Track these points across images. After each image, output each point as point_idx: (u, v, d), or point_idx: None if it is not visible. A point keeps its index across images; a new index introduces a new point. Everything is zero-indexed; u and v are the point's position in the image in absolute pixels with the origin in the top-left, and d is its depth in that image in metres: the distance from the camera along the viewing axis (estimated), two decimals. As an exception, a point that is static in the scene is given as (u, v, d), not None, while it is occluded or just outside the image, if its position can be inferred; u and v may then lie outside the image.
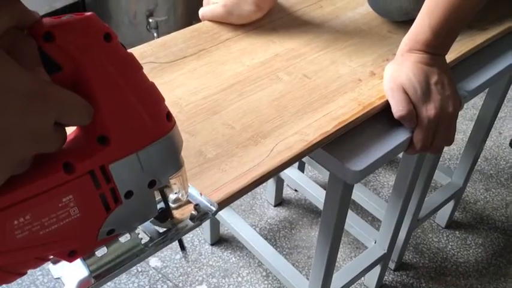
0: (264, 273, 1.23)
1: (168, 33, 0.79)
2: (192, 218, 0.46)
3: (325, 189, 1.26)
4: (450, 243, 1.34)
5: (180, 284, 1.20)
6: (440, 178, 1.32)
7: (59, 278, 0.42)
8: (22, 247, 0.32)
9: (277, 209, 1.40)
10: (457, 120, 0.68)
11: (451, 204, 1.31)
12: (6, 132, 0.27)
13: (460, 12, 0.64)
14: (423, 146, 0.66)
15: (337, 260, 0.98)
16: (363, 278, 1.21)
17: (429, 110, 0.64)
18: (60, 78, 0.31)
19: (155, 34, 1.73)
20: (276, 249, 1.15)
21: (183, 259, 1.24)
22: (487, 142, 1.66)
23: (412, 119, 0.64)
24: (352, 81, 0.71)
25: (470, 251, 1.33)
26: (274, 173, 0.55)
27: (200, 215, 0.46)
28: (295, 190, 1.45)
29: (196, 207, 0.46)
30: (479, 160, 1.56)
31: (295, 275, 1.04)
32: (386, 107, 0.67)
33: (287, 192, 1.45)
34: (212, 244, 1.30)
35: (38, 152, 0.30)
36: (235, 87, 0.69)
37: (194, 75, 0.70)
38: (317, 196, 1.23)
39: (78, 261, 0.41)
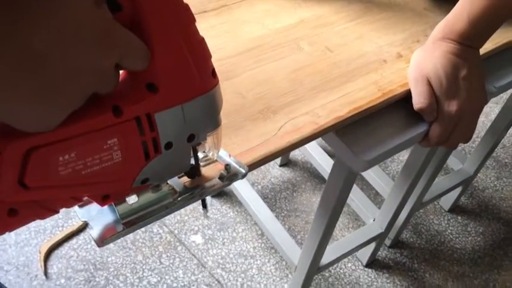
0: (260, 232, 1.24)
1: (191, -19, 0.75)
2: (221, 177, 0.46)
3: (331, 158, 1.25)
4: (450, 228, 1.33)
5: (176, 231, 1.22)
6: (451, 162, 1.29)
7: (85, 221, 0.42)
8: (63, 184, 0.33)
9: (282, 169, 1.39)
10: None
11: (458, 189, 1.29)
12: (77, 66, 0.27)
13: (503, 6, 0.58)
14: (439, 141, 0.63)
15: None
16: (356, 251, 1.22)
17: (451, 106, 0.60)
18: (118, 19, 0.31)
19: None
20: (275, 210, 1.15)
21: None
22: (507, 129, 1.62)
23: (432, 112, 0.61)
24: (376, 61, 0.67)
25: (469, 238, 1.32)
26: (280, 154, 0.53)
27: (230, 175, 0.46)
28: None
29: (227, 167, 0.46)
30: (495, 147, 1.53)
31: (289, 242, 1.04)
32: (407, 95, 0.64)
33: (294, 154, 1.43)
34: (212, 196, 1.30)
35: (96, 91, 0.30)
36: (252, 52, 0.65)
37: (211, 33, 0.67)
38: (322, 164, 1.22)
39: (105, 208, 0.42)
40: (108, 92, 0.31)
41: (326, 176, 1.28)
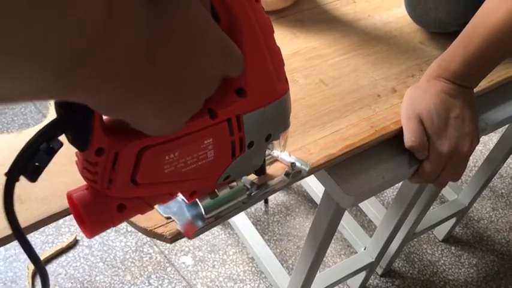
0: (250, 255, 1.22)
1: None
2: (287, 174, 0.51)
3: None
4: (443, 258, 1.32)
5: (166, 251, 1.21)
6: (446, 192, 1.28)
7: (169, 217, 0.46)
8: (165, 181, 0.37)
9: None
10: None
11: (452, 219, 1.28)
12: (201, 75, 0.29)
13: (498, 48, 0.58)
14: (429, 178, 0.63)
15: (325, 255, 0.96)
16: (347, 278, 1.21)
17: (442, 145, 0.60)
18: None
19: None
20: (267, 233, 1.14)
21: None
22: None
23: (423, 151, 0.61)
24: (370, 96, 0.67)
25: (463, 269, 1.31)
26: (269, 194, 0.53)
27: (295, 172, 0.51)
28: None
29: (293, 164, 0.51)
30: (491, 177, 1.52)
31: (278, 269, 1.04)
32: (399, 132, 0.63)
33: (290, 176, 1.43)
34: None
35: (205, 96, 0.32)
36: (246, 83, 0.65)
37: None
38: (315, 190, 1.21)
39: (183, 204, 0.47)
40: (209, 96, 0.33)
41: (318, 201, 1.28)
